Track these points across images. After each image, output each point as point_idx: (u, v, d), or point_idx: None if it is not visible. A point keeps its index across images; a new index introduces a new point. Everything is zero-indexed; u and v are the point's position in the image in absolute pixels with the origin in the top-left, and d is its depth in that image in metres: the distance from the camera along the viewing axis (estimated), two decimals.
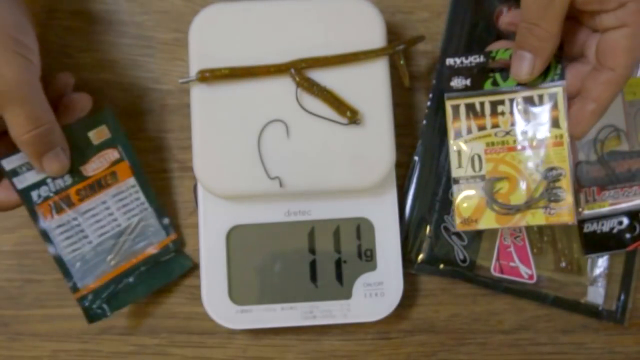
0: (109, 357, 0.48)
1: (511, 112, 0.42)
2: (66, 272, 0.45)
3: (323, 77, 0.44)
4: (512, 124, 0.42)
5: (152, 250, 0.47)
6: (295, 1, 0.45)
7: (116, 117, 0.46)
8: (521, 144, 0.42)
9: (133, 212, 0.46)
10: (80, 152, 0.44)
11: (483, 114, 0.43)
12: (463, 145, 0.43)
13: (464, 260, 0.47)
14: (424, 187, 0.48)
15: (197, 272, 0.47)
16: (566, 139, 0.41)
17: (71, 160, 0.43)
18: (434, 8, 0.50)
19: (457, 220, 0.42)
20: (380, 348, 0.48)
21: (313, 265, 0.46)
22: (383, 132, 0.44)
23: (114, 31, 0.50)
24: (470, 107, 0.43)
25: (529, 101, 0.42)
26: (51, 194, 0.44)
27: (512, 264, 0.47)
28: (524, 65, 0.40)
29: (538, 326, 0.48)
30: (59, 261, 0.45)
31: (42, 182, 0.44)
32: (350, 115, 0.44)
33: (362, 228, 0.46)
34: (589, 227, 0.47)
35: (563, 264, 0.48)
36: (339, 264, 0.46)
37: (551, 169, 0.41)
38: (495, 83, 0.42)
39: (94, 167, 0.45)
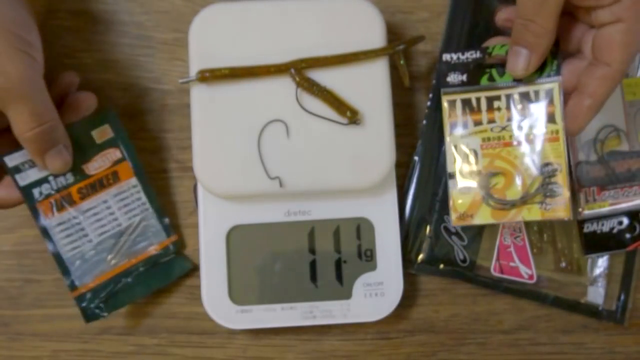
0: (109, 357, 0.48)
1: (507, 108, 0.42)
2: (65, 270, 0.45)
3: (323, 77, 0.44)
4: (508, 119, 0.42)
5: (152, 250, 0.47)
6: (295, 1, 0.45)
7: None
8: (517, 139, 0.42)
9: (134, 212, 0.46)
10: (82, 150, 0.45)
11: (479, 109, 0.43)
12: (459, 140, 0.43)
13: (464, 260, 0.47)
14: (424, 187, 0.48)
15: (197, 272, 0.47)
16: (562, 134, 0.41)
17: (73, 159, 0.44)
18: (434, 8, 0.50)
19: (453, 216, 0.43)
20: (380, 348, 0.48)
21: (313, 265, 0.46)
22: (383, 132, 0.44)
23: (114, 31, 0.50)
24: (466, 102, 0.43)
25: (525, 97, 0.42)
26: (53, 192, 0.44)
27: (512, 264, 0.47)
28: (520, 60, 0.40)
29: (538, 326, 0.48)
30: (58, 259, 0.45)
31: (44, 180, 0.44)
32: (350, 115, 0.44)
33: (362, 228, 0.46)
34: (589, 227, 0.47)
35: (563, 264, 0.48)
36: (339, 264, 0.46)
37: (547, 164, 0.41)
38: (491, 78, 0.43)
39: (96, 166, 0.45)
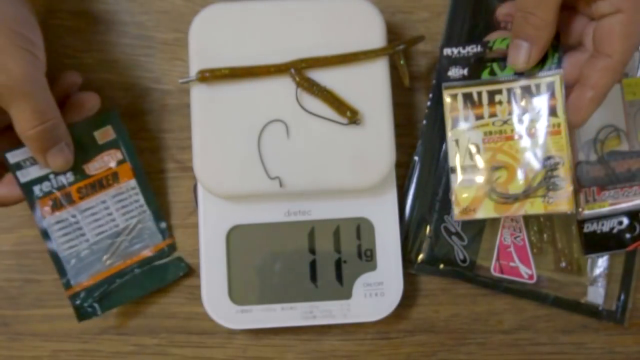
0: (109, 357, 0.48)
1: (509, 101, 0.42)
2: (61, 268, 0.45)
3: (323, 77, 0.44)
4: (510, 113, 0.42)
5: (147, 252, 0.47)
6: (295, 1, 0.45)
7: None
8: (519, 133, 0.42)
9: (131, 213, 0.46)
10: (84, 150, 0.45)
11: (481, 103, 0.43)
12: (461, 135, 0.43)
13: (464, 260, 0.47)
14: (424, 187, 0.48)
15: (197, 272, 0.47)
16: (564, 127, 0.41)
17: (75, 158, 0.44)
18: (434, 8, 0.50)
19: (456, 210, 0.43)
20: (380, 348, 0.48)
21: (313, 265, 0.46)
22: (383, 132, 0.44)
23: (115, 31, 0.50)
24: (467, 97, 0.43)
25: (527, 90, 0.42)
26: (53, 190, 0.44)
27: (512, 264, 0.47)
28: (521, 53, 0.40)
29: (538, 326, 0.48)
30: (55, 257, 0.45)
31: (44, 178, 0.44)
32: (350, 115, 0.44)
33: (362, 228, 0.46)
34: (589, 227, 0.47)
35: (563, 264, 0.48)
36: (339, 264, 0.46)
37: (549, 157, 0.41)
38: (492, 72, 0.43)
39: (96, 167, 0.45)
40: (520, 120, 0.42)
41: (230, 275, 0.46)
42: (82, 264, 0.45)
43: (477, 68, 0.43)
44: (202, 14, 0.45)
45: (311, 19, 0.45)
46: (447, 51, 0.43)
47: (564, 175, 0.41)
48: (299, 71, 0.44)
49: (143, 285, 0.47)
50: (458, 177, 0.43)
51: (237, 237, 0.46)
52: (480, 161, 0.42)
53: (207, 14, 0.45)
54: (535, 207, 0.41)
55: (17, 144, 0.42)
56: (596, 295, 0.48)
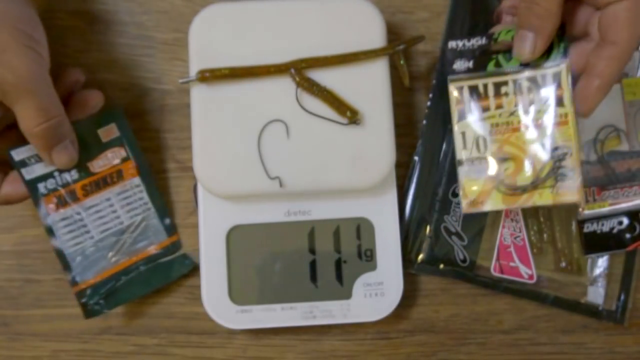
0: (109, 357, 0.48)
1: (515, 93, 0.42)
2: (66, 265, 0.45)
3: (323, 77, 0.44)
4: (516, 105, 0.42)
5: (152, 250, 0.47)
6: (295, 1, 0.45)
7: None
8: (526, 124, 0.42)
9: (136, 211, 0.46)
10: (88, 148, 0.45)
11: (487, 96, 0.42)
12: (467, 127, 0.42)
13: (464, 260, 0.47)
14: (424, 187, 0.48)
15: (197, 272, 0.47)
16: (571, 117, 0.41)
17: (79, 156, 0.44)
18: (434, 8, 0.50)
19: (464, 203, 0.42)
20: (380, 348, 0.48)
21: (313, 265, 0.46)
22: (383, 132, 0.44)
23: (114, 31, 0.50)
24: (473, 89, 0.43)
25: (533, 81, 0.42)
26: (57, 187, 0.45)
27: (512, 264, 0.47)
28: (526, 44, 0.40)
29: (538, 326, 0.48)
30: (60, 254, 0.45)
31: (49, 175, 0.44)
32: (350, 115, 0.44)
33: (362, 228, 0.46)
34: (589, 227, 0.47)
35: (563, 264, 0.48)
36: (339, 264, 0.46)
37: (557, 148, 0.41)
38: (498, 64, 0.42)
39: (100, 164, 0.45)
40: (527, 112, 0.42)
41: (230, 275, 0.46)
42: (88, 262, 0.45)
43: (482, 60, 0.43)
44: (202, 14, 0.45)
45: (311, 19, 0.45)
46: (452, 44, 0.43)
47: (572, 165, 0.41)
48: (299, 71, 0.44)
49: (149, 282, 0.47)
50: (465, 170, 0.42)
51: (237, 237, 0.46)
52: (487, 153, 0.42)
53: (207, 14, 0.45)
54: (543, 197, 0.41)
55: (22, 141, 0.42)
56: (596, 295, 0.48)
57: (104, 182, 0.46)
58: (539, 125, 0.42)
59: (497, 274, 0.47)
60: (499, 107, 0.42)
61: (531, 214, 0.48)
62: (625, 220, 0.46)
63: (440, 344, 0.48)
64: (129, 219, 0.46)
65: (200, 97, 0.44)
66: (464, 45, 0.43)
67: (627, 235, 0.46)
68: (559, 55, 0.41)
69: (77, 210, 0.45)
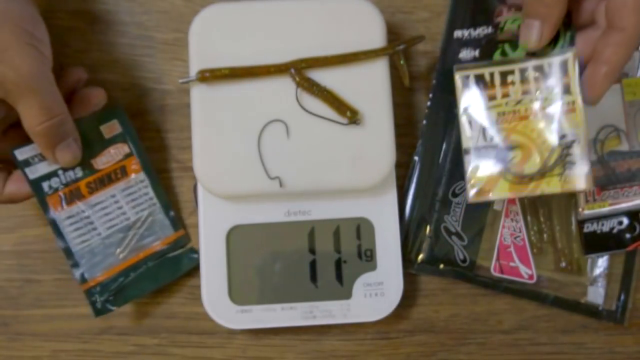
0: (109, 357, 0.48)
1: (521, 81, 0.42)
2: (74, 263, 0.45)
3: (323, 77, 0.44)
4: (523, 93, 0.42)
5: (159, 245, 0.47)
6: (295, 1, 0.45)
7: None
8: (533, 112, 0.41)
9: (142, 206, 0.46)
10: (91, 145, 0.45)
11: (493, 84, 0.42)
12: (474, 116, 0.42)
13: (464, 260, 0.47)
14: (424, 187, 0.48)
15: (197, 272, 0.47)
16: (579, 104, 0.40)
17: (82, 153, 0.44)
18: (434, 8, 0.50)
19: (471, 192, 0.42)
20: (380, 348, 0.48)
21: (313, 265, 0.46)
22: (383, 132, 0.44)
23: (114, 31, 0.50)
24: (479, 78, 0.42)
25: (540, 69, 0.41)
26: (62, 186, 0.45)
27: (512, 264, 0.47)
28: (533, 32, 0.40)
29: (538, 326, 0.48)
30: (68, 252, 0.45)
31: (53, 174, 0.44)
32: (350, 115, 0.44)
33: (362, 228, 0.46)
34: (589, 227, 0.47)
35: (563, 264, 0.48)
36: (339, 264, 0.46)
37: (564, 135, 0.41)
38: (504, 53, 0.42)
39: (104, 161, 0.45)
40: (534, 100, 0.41)
41: (230, 275, 0.46)
42: (96, 259, 0.45)
43: (488, 49, 0.42)
44: (202, 14, 0.45)
45: (311, 19, 0.45)
46: (458, 33, 0.43)
47: (580, 153, 0.40)
48: (299, 71, 0.44)
49: (157, 277, 0.47)
50: (472, 159, 0.42)
51: (237, 237, 0.46)
52: (494, 142, 0.42)
53: (207, 14, 0.45)
54: (551, 185, 0.41)
55: (25, 141, 0.42)
56: (596, 295, 0.48)
57: (108, 179, 0.46)
58: (546, 114, 0.41)
59: (497, 274, 0.47)
60: (505, 95, 0.42)
61: (531, 213, 0.48)
62: (625, 220, 0.46)
63: (440, 344, 0.48)
64: (135, 215, 0.46)
65: (200, 97, 0.44)
66: (469, 34, 0.43)
67: (627, 235, 0.47)
68: (565, 44, 0.41)
69: (82, 208, 0.45)
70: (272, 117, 0.44)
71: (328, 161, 0.44)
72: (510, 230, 0.47)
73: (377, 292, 0.46)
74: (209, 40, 0.45)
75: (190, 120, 0.45)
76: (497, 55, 0.42)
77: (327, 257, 0.46)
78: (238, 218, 0.46)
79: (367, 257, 0.46)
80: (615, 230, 0.47)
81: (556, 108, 0.41)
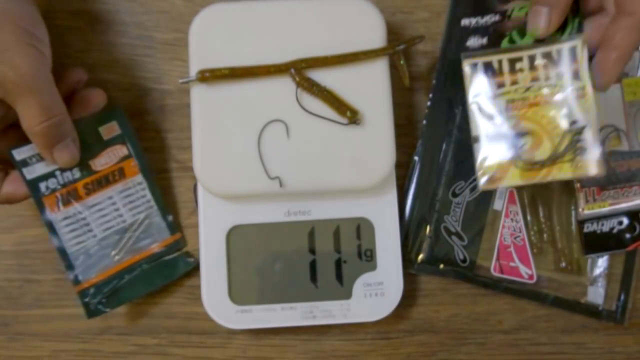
0: (109, 357, 0.48)
1: (530, 69, 0.41)
2: (69, 264, 0.45)
3: (323, 77, 0.44)
4: (532, 80, 0.41)
5: (155, 248, 0.47)
6: (295, 1, 0.45)
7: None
8: (542, 99, 0.41)
9: (139, 209, 0.46)
10: (89, 146, 0.45)
11: (501, 72, 0.42)
12: (483, 104, 0.42)
13: (464, 260, 0.47)
14: (424, 187, 0.48)
15: (197, 272, 0.47)
16: (589, 90, 0.40)
17: (80, 154, 0.44)
18: (434, 8, 0.50)
19: (482, 180, 0.41)
20: (380, 348, 0.48)
21: (313, 265, 0.46)
22: (383, 132, 0.44)
23: (114, 31, 0.50)
24: (488, 66, 0.42)
25: (548, 56, 0.41)
26: (59, 187, 0.45)
27: (512, 264, 0.47)
28: (541, 19, 0.40)
29: (538, 326, 0.48)
30: (62, 253, 0.45)
31: (50, 174, 0.44)
32: (350, 115, 0.44)
33: (362, 228, 0.46)
34: (589, 227, 0.47)
35: (563, 264, 0.48)
36: (339, 264, 0.46)
37: (575, 121, 0.41)
38: (512, 41, 0.42)
39: (102, 162, 0.45)
40: (543, 87, 0.41)
41: (230, 275, 0.46)
42: (91, 260, 0.45)
43: (496, 37, 0.42)
44: (202, 14, 0.45)
45: (311, 19, 0.45)
46: (465, 22, 0.43)
47: (591, 138, 0.40)
48: (299, 71, 0.44)
49: (152, 280, 0.47)
50: (482, 147, 0.42)
51: (237, 237, 0.46)
52: (503, 129, 0.42)
53: (207, 14, 0.45)
54: (563, 171, 0.40)
55: (23, 141, 0.42)
56: (596, 295, 0.48)
57: (105, 181, 0.46)
58: (556, 100, 0.41)
59: (497, 274, 0.47)
60: (514, 83, 0.41)
61: (531, 213, 0.48)
62: (625, 220, 0.47)
63: (440, 344, 0.48)
64: (132, 217, 0.46)
65: (200, 97, 0.44)
66: (477, 22, 0.42)
67: (627, 235, 0.47)
68: (574, 31, 0.41)
69: (79, 209, 0.45)
70: (272, 117, 0.44)
71: (328, 161, 0.44)
72: (510, 230, 0.47)
73: (377, 292, 0.46)
74: (209, 40, 0.45)
75: (190, 120, 0.45)
76: (505, 43, 0.42)
77: (327, 257, 0.46)
78: (238, 218, 0.46)
79: (367, 257, 0.46)
80: (615, 230, 0.47)
81: (566, 94, 0.41)
